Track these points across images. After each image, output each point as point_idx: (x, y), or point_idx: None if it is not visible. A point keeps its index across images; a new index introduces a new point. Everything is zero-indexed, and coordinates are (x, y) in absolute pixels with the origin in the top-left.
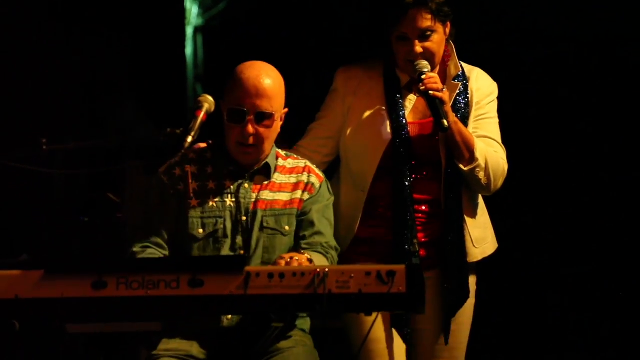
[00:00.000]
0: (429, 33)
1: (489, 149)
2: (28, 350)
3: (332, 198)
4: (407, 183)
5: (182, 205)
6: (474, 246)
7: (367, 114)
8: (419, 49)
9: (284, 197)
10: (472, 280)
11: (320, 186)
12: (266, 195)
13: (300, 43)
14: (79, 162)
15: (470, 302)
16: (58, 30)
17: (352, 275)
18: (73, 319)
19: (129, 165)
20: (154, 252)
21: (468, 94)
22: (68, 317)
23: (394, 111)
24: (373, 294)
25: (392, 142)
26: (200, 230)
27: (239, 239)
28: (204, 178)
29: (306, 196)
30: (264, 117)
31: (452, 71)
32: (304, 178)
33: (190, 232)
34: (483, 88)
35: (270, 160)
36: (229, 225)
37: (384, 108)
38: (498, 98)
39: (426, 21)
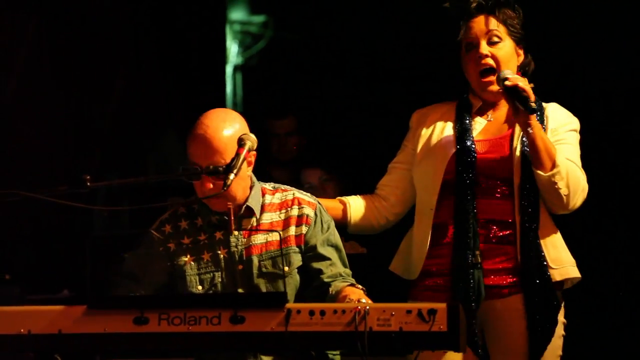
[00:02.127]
0: (496, 39)
1: (570, 162)
2: None
3: (332, 220)
4: (469, 202)
5: (175, 262)
6: (551, 267)
7: (436, 135)
8: (484, 50)
9: (276, 236)
10: (561, 306)
11: (316, 213)
12: (258, 239)
13: (338, 81)
14: (121, 198)
15: (558, 332)
16: (103, 70)
17: (393, 313)
18: (115, 354)
19: (171, 202)
20: None
21: (544, 121)
22: (110, 352)
23: (461, 126)
24: (414, 332)
25: (454, 155)
26: (200, 287)
27: (241, 290)
28: (196, 232)
29: (304, 229)
30: (217, 172)
31: None
32: (295, 212)
33: (190, 290)
34: (560, 117)
35: (251, 202)
36: (226, 277)
37: (451, 130)
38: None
39: (492, 24)
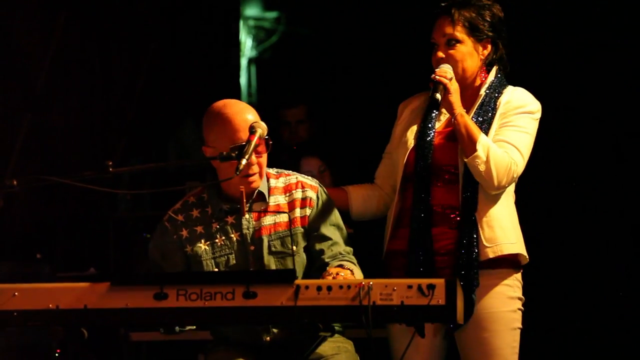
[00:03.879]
0: (453, 42)
1: (497, 147)
2: (96, 357)
3: (333, 201)
4: (423, 190)
5: (192, 248)
6: (485, 245)
7: (405, 127)
8: (440, 53)
9: (284, 218)
10: (510, 287)
11: (318, 196)
12: (267, 220)
13: (349, 73)
14: (142, 183)
15: (508, 307)
16: (127, 64)
17: (395, 288)
18: (137, 327)
19: (188, 185)
20: None
21: (496, 105)
22: (132, 326)
23: (424, 121)
24: (414, 305)
25: (414, 146)
26: (216, 270)
27: (253, 268)
28: (208, 220)
29: (308, 211)
30: (230, 157)
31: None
32: (299, 195)
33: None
34: (513, 101)
35: (262, 187)
36: (239, 258)
37: (417, 124)
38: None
39: (449, 29)
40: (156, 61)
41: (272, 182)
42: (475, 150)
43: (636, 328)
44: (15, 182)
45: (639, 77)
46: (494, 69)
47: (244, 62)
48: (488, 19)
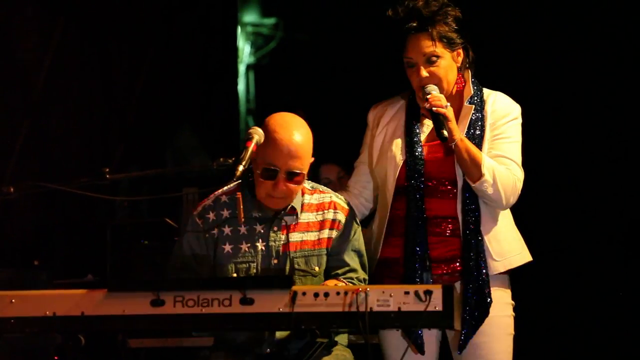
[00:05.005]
0: (434, 58)
1: (499, 166)
2: None
3: (359, 227)
4: (418, 202)
5: (217, 249)
6: (495, 259)
7: (387, 140)
8: (424, 73)
9: (312, 236)
10: (505, 293)
11: (346, 220)
12: (295, 236)
13: (347, 78)
14: (141, 188)
15: (504, 312)
16: (125, 70)
17: (392, 294)
18: (134, 334)
19: (185, 192)
20: None
21: (483, 116)
22: (129, 332)
23: (409, 134)
24: (411, 311)
25: (405, 161)
26: (235, 275)
27: None
28: (236, 223)
29: (334, 234)
30: (294, 176)
31: (466, 95)
32: (330, 215)
33: (225, 277)
34: (499, 110)
35: (295, 202)
36: (261, 269)
37: (401, 135)
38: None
39: (428, 47)
40: (155, 67)
41: (307, 197)
42: (482, 174)
43: (636, 329)
44: (12, 189)
45: (636, 77)
46: (469, 76)
47: (242, 68)
48: (455, 26)
